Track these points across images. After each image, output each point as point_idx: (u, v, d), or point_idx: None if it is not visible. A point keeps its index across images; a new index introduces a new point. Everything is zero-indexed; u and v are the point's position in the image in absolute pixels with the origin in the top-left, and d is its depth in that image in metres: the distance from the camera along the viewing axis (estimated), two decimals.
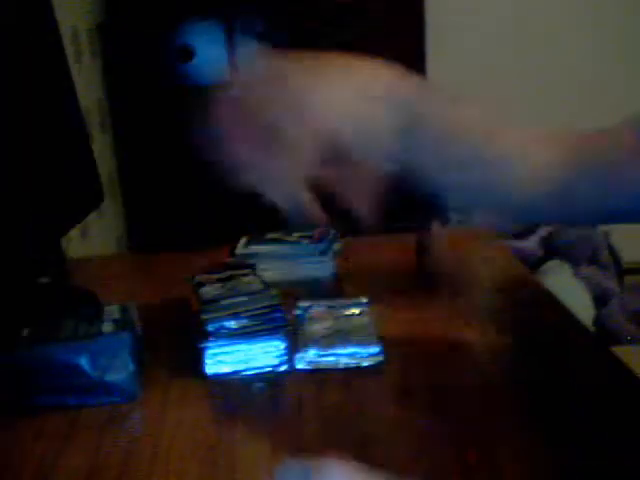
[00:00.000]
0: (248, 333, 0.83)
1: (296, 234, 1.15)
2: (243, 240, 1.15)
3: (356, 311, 0.91)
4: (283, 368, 0.83)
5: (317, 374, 0.83)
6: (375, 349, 0.83)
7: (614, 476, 0.63)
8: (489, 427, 0.71)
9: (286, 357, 0.84)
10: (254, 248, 1.12)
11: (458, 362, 0.84)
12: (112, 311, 0.86)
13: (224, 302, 0.86)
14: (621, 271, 2.52)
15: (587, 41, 2.98)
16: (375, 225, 0.61)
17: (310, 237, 1.13)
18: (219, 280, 0.92)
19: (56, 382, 0.78)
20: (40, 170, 0.98)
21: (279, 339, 0.84)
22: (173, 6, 2.49)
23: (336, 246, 1.13)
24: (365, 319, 0.90)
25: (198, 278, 0.94)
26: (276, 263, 1.09)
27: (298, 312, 0.92)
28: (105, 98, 2.46)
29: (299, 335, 0.87)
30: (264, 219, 1.76)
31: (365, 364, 0.83)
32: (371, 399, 0.78)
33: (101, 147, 2.36)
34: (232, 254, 1.11)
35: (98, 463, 0.70)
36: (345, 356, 0.83)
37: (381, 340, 0.84)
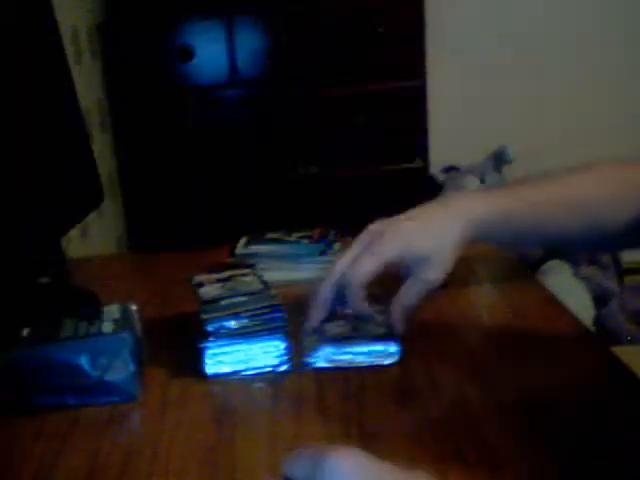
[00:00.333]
0: (248, 333, 0.83)
1: (296, 234, 1.15)
2: (243, 240, 1.15)
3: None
4: (283, 368, 0.83)
5: (317, 374, 0.83)
6: (394, 348, 0.84)
7: (614, 476, 0.63)
8: (489, 427, 0.71)
9: (286, 357, 0.84)
10: (254, 248, 1.12)
11: (458, 362, 0.84)
12: (112, 311, 0.86)
13: (224, 302, 0.86)
14: (621, 271, 2.52)
15: (588, 40, 2.98)
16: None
17: (310, 237, 1.13)
18: (219, 280, 0.92)
19: (56, 382, 0.78)
20: (40, 170, 0.98)
21: (279, 339, 0.84)
22: (173, 6, 2.49)
23: (336, 246, 1.13)
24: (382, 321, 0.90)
25: (198, 278, 0.94)
26: (276, 263, 1.09)
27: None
28: (105, 98, 2.46)
29: (317, 333, 0.87)
30: (264, 219, 1.76)
31: (383, 362, 0.83)
32: (372, 399, 0.78)
33: (101, 147, 2.36)
34: (232, 254, 1.11)
35: (98, 463, 0.70)
36: (363, 355, 0.83)
37: (400, 339, 0.84)
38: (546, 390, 0.77)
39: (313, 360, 0.84)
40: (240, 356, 0.83)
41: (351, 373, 0.82)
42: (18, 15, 0.95)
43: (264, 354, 0.83)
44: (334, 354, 0.84)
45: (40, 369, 0.78)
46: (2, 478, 0.69)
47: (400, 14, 2.54)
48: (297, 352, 0.85)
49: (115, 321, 0.83)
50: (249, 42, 2.54)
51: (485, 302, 1.07)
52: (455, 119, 2.96)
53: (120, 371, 0.79)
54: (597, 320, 2.32)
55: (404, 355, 0.83)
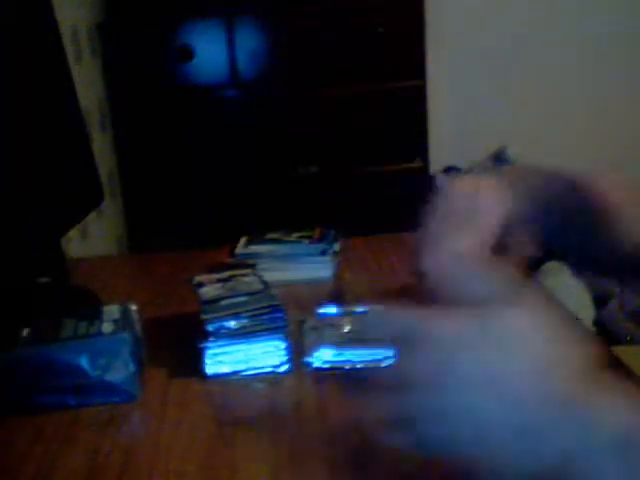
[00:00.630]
0: (248, 333, 0.83)
1: (296, 234, 1.15)
2: (243, 240, 1.15)
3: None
4: (283, 368, 0.83)
5: (317, 374, 0.83)
6: (390, 352, 0.84)
7: None
8: None
9: (286, 357, 0.84)
10: (254, 248, 1.12)
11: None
12: (112, 311, 0.86)
13: (224, 302, 0.86)
14: None
15: (588, 40, 2.98)
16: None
17: (310, 237, 1.13)
18: (219, 280, 0.92)
19: (56, 382, 0.78)
20: (40, 170, 0.98)
21: (279, 339, 0.84)
22: (173, 6, 2.49)
23: (336, 246, 1.13)
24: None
25: (198, 278, 0.94)
26: (276, 263, 1.09)
27: (319, 312, 0.93)
28: (105, 98, 2.46)
29: (317, 335, 0.87)
30: (264, 219, 1.76)
31: (380, 365, 0.83)
32: (372, 399, 0.78)
33: (101, 147, 2.36)
34: (232, 254, 1.11)
35: (98, 463, 0.70)
36: (361, 356, 0.83)
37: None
38: None
39: (313, 360, 0.84)
40: (240, 356, 0.83)
41: (351, 373, 0.82)
42: (18, 15, 0.95)
43: (264, 354, 0.83)
44: (333, 356, 0.84)
45: (40, 369, 0.78)
46: (2, 478, 0.69)
47: (400, 14, 2.54)
48: (297, 352, 0.86)
49: (115, 321, 0.83)
50: (249, 42, 2.53)
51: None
52: (455, 119, 2.96)
53: (120, 371, 0.79)
54: (597, 320, 2.32)
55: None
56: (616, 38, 2.96)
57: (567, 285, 2.33)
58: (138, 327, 0.86)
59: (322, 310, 0.94)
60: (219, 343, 0.82)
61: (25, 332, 0.81)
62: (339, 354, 0.84)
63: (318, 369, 0.83)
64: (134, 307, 0.88)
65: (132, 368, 0.79)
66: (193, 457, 0.70)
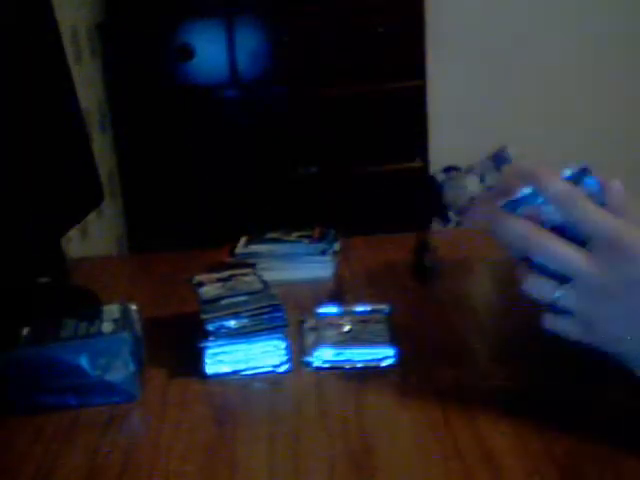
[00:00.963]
0: (248, 333, 0.83)
1: (296, 234, 1.15)
2: (243, 240, 1.15)
3: (375, 317, 0.92)
4: (283, 368, 0.83)
5: (317, 374, 0.83)
6: (390, 351, 0.84)
7: (614, 476, 0.63)
8: (490, 426, 0.71)
9: (286, 357, 0.84)
10: (254, 248, 1.12)
11: (458, 362, 0.84)
12: (112, 311, 0.86)
13: (224, 302, 0.86)
14: None
15: (588, 40, 2.98)
16: None
17: (310, 237, 1.13)
18: (219, 280, 0.92)
19: (56, 382, 0.78)
20: (40, 170, 0.98)
21: (279, 339, 0.84)
22: (173, 6, 2.49)
23: (336, 246, 1.13)
24: (382, 325, 0.90)
25: (198, 278, 0.94)
26: (276, 263, 1.09)
27: (319, 312, 0.93)
28: (105, 98, 2.46)
29: (317, 335, 0.87)
30: (264, 219, 1.76)
31: (380, 365, 0.83)
32: (371, 399, 0.78)
33: (101, 147, 2.36)
34: (232, 254, 1.11)
35: (98, 463, 0.70)
36: (360, 356, 0.84)
37: (397, 343, 0.84)
38: (547, 389, 0.77)
39: (313, 360, 0.84)
40: (240, 356, 0.83)
41: (351, 373, 0.82)
42: (18, 15, 0.95)
43: (264, 354, 0.83)
44: (333, 356, 0.84)
45: (40, 369, 0.78)
46: (2, 478, 0.69)
47: (400, 14, 2.54)
48: (297, 352, 0.86)
49: (115, 321, 0.83)
50: (249, 42, 2.54)
51: (485, 301, 1.07)
52: (455, 119, 2.96)
53: (120, 371, 0.79)
54: None
55: (402, 357, 0.84)
56: (616, 38, 2.96)
57: None
58: (138, 327, 0.86)
59: (322, 310, 0.94)
60: (219, 343, 0.82)
61: (25, 332, 0.81)
62: (339, 354, 0.84)
63: (318, 369, 0.84)
64: (134, 307, 0.88)
65: (132, 368, 0.79)
66: (193, 457, 0.70)
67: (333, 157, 2.64)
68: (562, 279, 0.62)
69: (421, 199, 2.88)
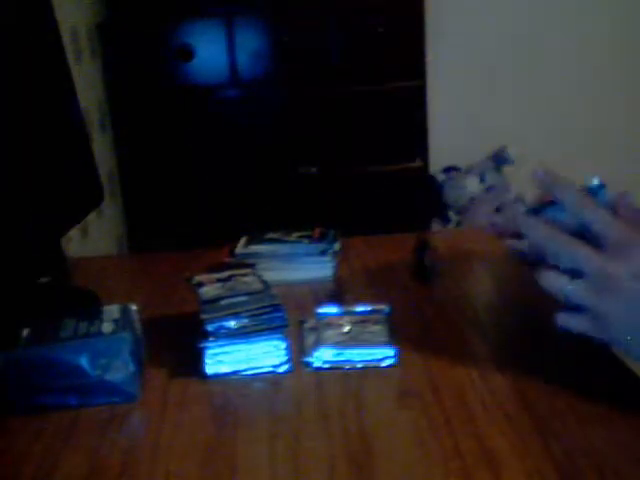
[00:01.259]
0: (248, 333, 0.83)
1: (296, 234, 1.15)
2: (243, 240, 1.15)
3: (375, 317, 0.92)
4: (283, 368, 0.83)
5: (317, 374, 0.83)
6: (390, 351, 0.84)
7: (615, 476, 0.63)
8: (490, 426, 0.71)
9: (286, 357, 0.84)
10: (254, 248, 1.12)
11: (458, 362, 0.84)
12: (112, 311, 0.86)
13: (224, 302, 0.86)
14: None
15: (588, 40, 2.98)
16: None
17: (310, 237, 1.13)
18: (219, 280, 0.92)
19: (56, 382, 0.78)
20: (40, 170, 0.98)
21: (279, 339, 0.84)
22: (173, 6, 2.49)
23: (336, 246, 1.13)
24: (382, 325, 0.90)
25: (198, 278, 0.94)
26: (276, 263, 1.09)
27: (319, 312, 0.93)
28: (105, 98, 2.46)
29: (317, 335, 0.87)
30: (264, 219, 1.76)
31: (380, 365, 0.83)
32: (371, 399, 0.78)
33: (101, 147, 2.36)
34: (232, 254, 1.11)
35: (98, 463, 0.70)
36: (360, 356, 0.84)
37: (396, 344, 0.84)
38: (547, 389, 0.77)
39: (313, 360, 0.84)
40: (240, 356, 0.83)
41: (351, 373, 0.82)
42: (18, 15, 0.95)
43: (264, 354, 0.84)
44: (333, 356, 0.84)
45: (40, 369, 0.78)
46: (2, 478, 0.69)
47: (400, 14, 2.54)
48: (297, 352, 0.86)
49: (115, 321, 0.83)
50: (249, 42, 2.53)
51: (485, 301, 1.07)
52: (455, 119, 2.96)
53: (120, 371, 0.79)
54: None
55: (402, 357, 0.84)
56: (616, 38, 2.96)
57: None
58: (138, 327, 0.86)
59: (322, 310, 0.94)
60: (219, 343, 0.82)
61: (25, 332, 0.81)
62: (339, 354, 0.84)
63: (318, 369, 0.84)
64: (134, 307, 0.88)
65: (132, 368, 0.79)
66: (193, 457, 0.70)
67: (333, 157, 2.64)
68: (577, 277, 0.70)
69: (421, 199, 2.89)
